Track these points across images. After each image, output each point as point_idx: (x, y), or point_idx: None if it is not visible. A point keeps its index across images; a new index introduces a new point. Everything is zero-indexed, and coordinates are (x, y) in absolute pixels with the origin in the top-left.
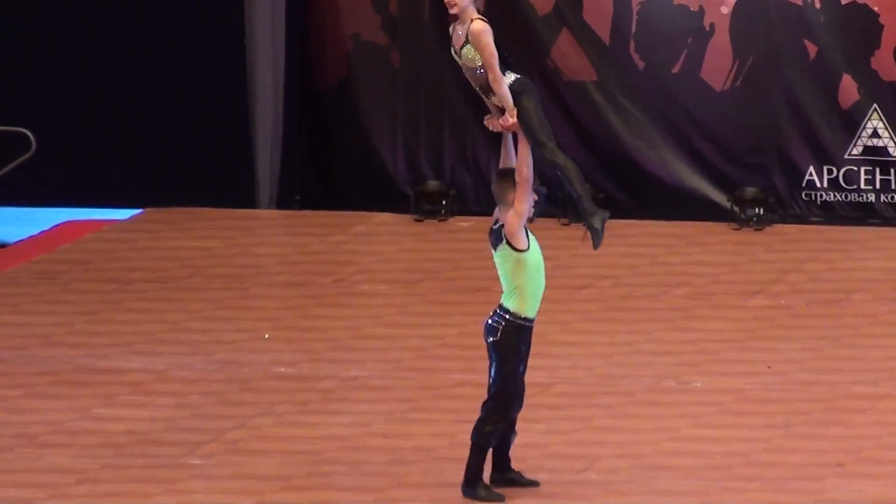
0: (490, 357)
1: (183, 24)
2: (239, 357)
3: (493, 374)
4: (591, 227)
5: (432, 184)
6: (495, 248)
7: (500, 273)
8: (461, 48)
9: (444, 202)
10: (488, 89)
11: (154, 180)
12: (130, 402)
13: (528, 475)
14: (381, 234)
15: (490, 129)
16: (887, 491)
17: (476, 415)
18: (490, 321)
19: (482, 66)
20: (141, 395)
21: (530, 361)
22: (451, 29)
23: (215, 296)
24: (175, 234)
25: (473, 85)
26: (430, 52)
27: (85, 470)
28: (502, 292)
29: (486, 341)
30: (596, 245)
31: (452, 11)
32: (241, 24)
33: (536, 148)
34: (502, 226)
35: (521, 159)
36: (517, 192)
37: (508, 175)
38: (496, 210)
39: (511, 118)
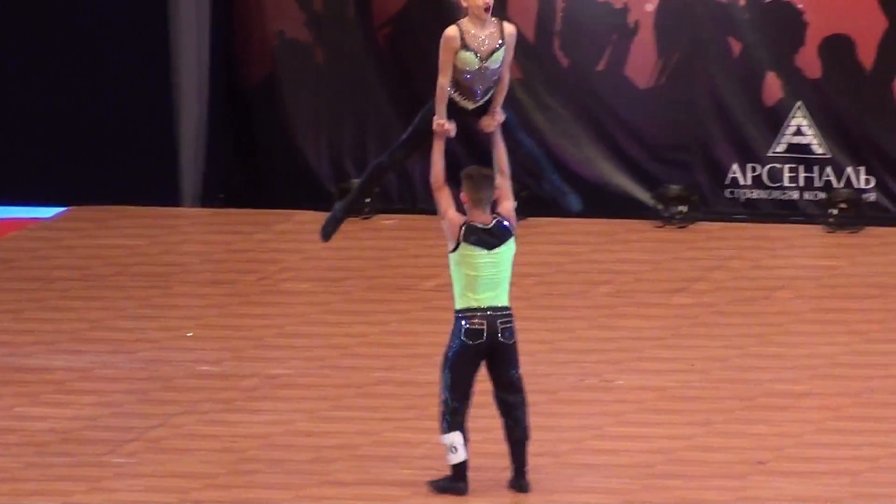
0: (511, 357)
1: (107, 20)
2: (162, 355)
3: (516, 370)
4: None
5: (355, 181)
6: (498, 246)
7: (499, 270)
8: (492, 52)
9: (367, 200)
10: (487, 92)
11: (79, 178)
12: (54, 400)
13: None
14: (305, 232)
15: (487, 130)
16: (809, 488)
17: (398, 412)
18: (505, 325)
19: (500, 68)
20: (64, 393)
21: None
22: (456, 33)
23: (139, 294)
24: (99, 232)
25: (468, 87)
26: (355, 50)
27: (7, 468)
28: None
29: (509, 342)
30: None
31: (487, 14)
32: (165, 20)
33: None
34: (499, 224)
35: (505, 157)
36: (507, 187)
37: (490, 176)
38: (460, 215)
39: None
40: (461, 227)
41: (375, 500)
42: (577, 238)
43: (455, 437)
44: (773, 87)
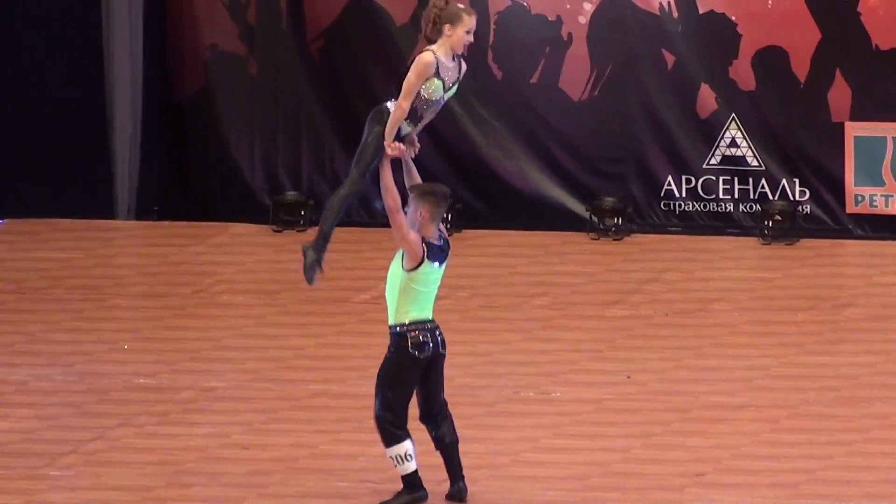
0: (442, 366)
1: (40, 32)
2: (98, 368)
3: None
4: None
5: (291, 195)
6: (445, 260)
7: (435, 288)
8: (453, 85)
9: (302, 212)
10: (425, 120)
11: (12, 191)
12: None
13: (389, 486)
14: (239, 245)
15: (408, 156)
16: (747, 500)
17: (334, 425)
18: (442, 336)
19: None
20: None
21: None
22: (433, 59)
23: (74, 307)
24: (33, 245)
25: (419, 114)
26: (288, 63)
27: None
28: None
29: (444, 353)
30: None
31: (464, 50)
32: (98, 33)
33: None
34: (445, 239)
35: (418, 179)
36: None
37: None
38: (415, 233)
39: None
40: (423, 246)
41: None
42: (512, 250)
43: (407, 446)
44: (706, 99)
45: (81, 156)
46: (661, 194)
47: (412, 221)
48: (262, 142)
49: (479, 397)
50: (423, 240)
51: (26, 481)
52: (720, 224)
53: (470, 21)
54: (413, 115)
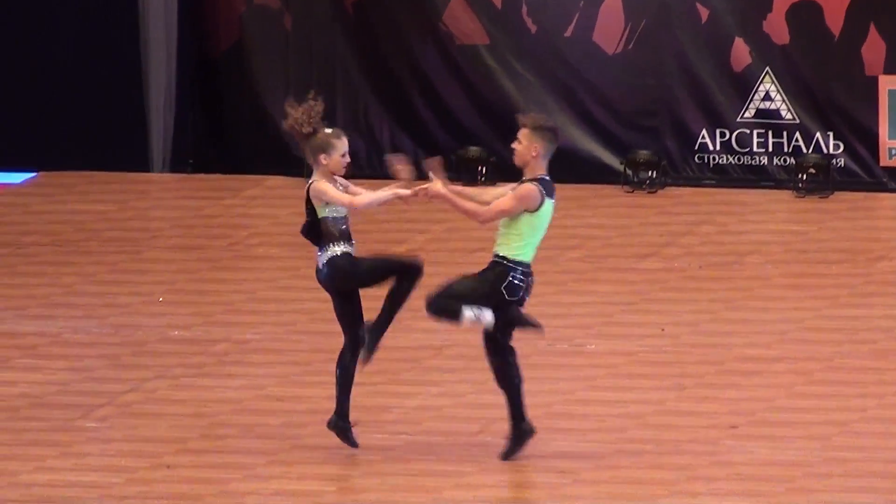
0: None
1: None
2: (133, 320)
3: None
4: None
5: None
6: (552, 196)
7: (546, 227)
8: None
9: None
10: None
11: (48, 143)
12: (24, 365)
13: (423, 438)
14: (274, 198)
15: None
16: (780, 452)
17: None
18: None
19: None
20: (35, 358)
21: (424, 324)
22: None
23: (110, 259)
24: (69, 198)
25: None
26: (323, 17)
27: None
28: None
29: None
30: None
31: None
32: None
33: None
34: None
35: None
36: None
37: None
38: (522, 186)
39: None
40: (538, 188)
41: (347, 465)
42: None
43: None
44: (741, 52)
45: (117, 109)
46: (696, 147)
47: (521, 156)
48: (297, 95)
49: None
50: (538, 179)
51: (62, 433)
52: (754, 177)
53: (342, 145)
54: (347, 237)
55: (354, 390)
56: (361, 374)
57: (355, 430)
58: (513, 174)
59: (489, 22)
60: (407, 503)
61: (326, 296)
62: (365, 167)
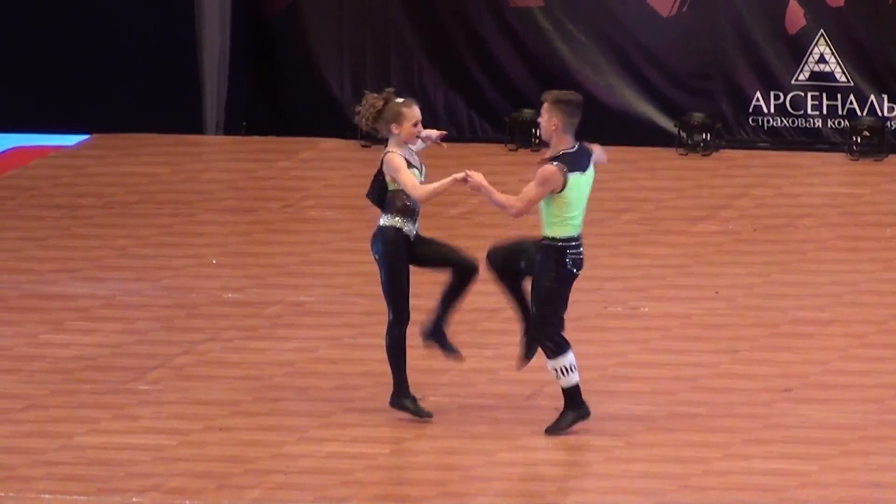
0: None
1: None
2: (186, 283)
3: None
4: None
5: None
6: (589, 167)
7: (589, 191)
8: (422, 165)
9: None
10: None
11: (101, 106)
12: (78, 327)
13: (477, 400)
14: (327, 160)
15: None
16: (834, 415)
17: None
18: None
19: None
20: (88, 320)
21: (479, 286)
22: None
23: (163, 221)
24: (122, 160)
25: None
26: None
27: (34, 395)
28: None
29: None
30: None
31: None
32: None
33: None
34: (581, 146)
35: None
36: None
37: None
38: (545, 166)
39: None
40: (558, 167)
41: (399, 427)
42: (600, 166)
43: (571, 357)
44: (795, 15)
45: (170, 71)
46: (750, 110)
47: (545, 130)
48: (351, 57)
49: (569, 312)
50: (558, 156)
51: (115, 395)
52: (808, 140)
53: (412, 114)
54: (409, 213)
55: (407, 353)
56: (411, 337)
57: (422, 402)
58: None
59: None
60: (461, 465)
61: None
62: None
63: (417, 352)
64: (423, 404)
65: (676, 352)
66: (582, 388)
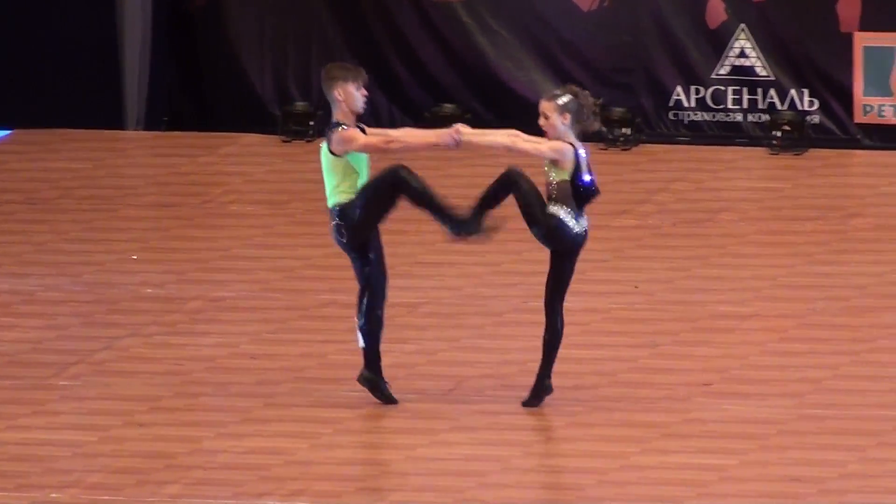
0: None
1: None
2: (107, 278)
3: None
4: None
5: (300, 105)
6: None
7: None
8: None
9: (311, 123)
10: None
11: (22, 101)
12: None
13: (397, 395)
14: (249, 155)
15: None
16: (754, 410)
17: (343, 335)
18: None
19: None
20: (8, 316)
21: (398, 282)
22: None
23: (83, 217)
24: (43, 156)
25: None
26: None
27: None
28: None
29: None
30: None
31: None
32: None
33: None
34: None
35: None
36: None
37: None
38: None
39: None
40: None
41: (321, 423)
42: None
43: None
44: (716, 9)
45: (91, 66)
46: (670, 104)
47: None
48: (272, 52)
49: (489, 307)
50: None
51: (35, 391)
52: (729, 134)
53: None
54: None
55: (325, 347)
56: (334, 332)
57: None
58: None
59: None
60: (379, 460)
61: (300, 254)
62: None
63: (337, 346)
64: (342, 398)
65: (596, 346)
66: (502, 382)
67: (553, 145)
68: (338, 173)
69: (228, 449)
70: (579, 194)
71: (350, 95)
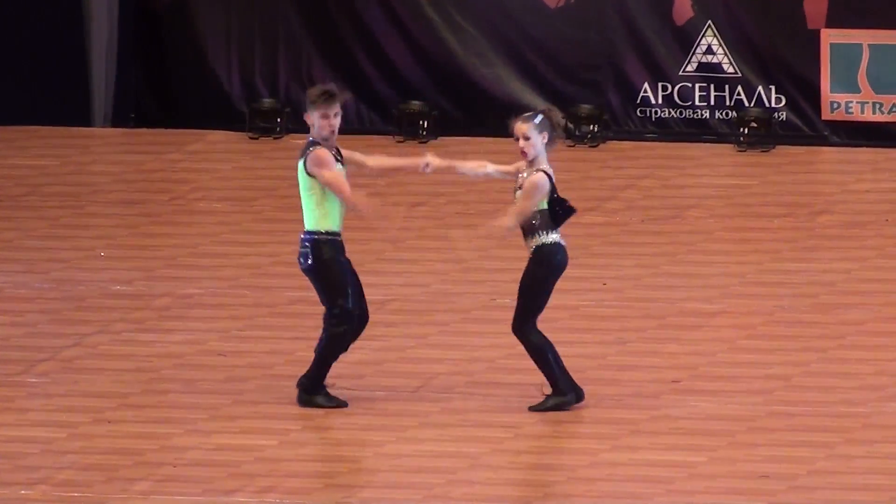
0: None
1: None
2: (75, 275)
3: None
4: None
5: (267, 102)
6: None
7: None
8: (515, 190)
9: (278, 120)
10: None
11: None
12: None
13: (365, 392)
14: (216, 152)
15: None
16: (722, 407)
17: (311, 331)
18: None
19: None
20: None
21: (365, 279)
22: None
23: (51, 214)
24: (10, 153)
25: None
26: None
27: None
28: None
29: None
30: None
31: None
32: None
33: None
34: None
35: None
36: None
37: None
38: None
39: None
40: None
41: (290, 419)
42: (489, 157)
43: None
44: (683, 6)
45: (58, 63)
46: (638, 101)
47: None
48: (240, 49)
49: (456, 304)
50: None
51: (3, 388)
52: (696, 131)
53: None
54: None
55: (293, 344)
56: (302, 329)
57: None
58: (455, 129)
59: None
60: (348, 457)
61: (268, 251)
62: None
63: (304, 343)
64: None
65: (563, 343)
66: (470, 379)
67: (530, 195)
68: (315, 194)
69: (198, 446)
70: (557, 216)
71: (315, 123)
